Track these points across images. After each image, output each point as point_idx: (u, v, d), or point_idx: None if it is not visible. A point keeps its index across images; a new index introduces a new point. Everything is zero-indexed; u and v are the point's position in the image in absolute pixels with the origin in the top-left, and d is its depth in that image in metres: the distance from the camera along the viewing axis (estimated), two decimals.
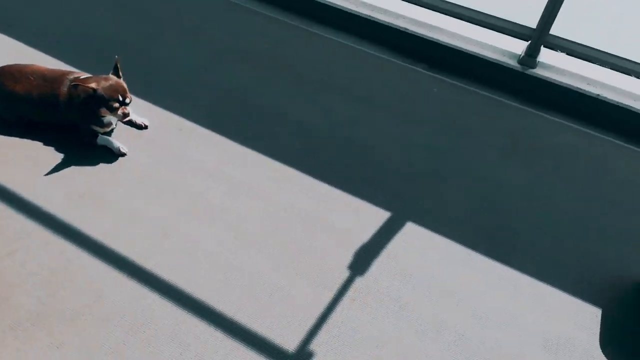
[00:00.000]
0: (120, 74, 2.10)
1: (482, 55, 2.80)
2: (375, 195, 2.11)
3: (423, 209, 2.10)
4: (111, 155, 2.15)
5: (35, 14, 2.87)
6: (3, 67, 2.21)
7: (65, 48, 2.64)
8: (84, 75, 2.18)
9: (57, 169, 2.06)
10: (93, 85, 2.00)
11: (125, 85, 2.08)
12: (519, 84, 2.75)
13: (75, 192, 2.00)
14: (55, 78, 2.14)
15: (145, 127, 2.30)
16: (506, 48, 2.81)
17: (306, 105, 2.51)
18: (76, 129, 2.17)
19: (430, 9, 3.01)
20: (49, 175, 2.04)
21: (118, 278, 1.74)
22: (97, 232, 1.86)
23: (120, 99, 2.04)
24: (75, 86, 2.01)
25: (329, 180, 2.15)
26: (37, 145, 2.15)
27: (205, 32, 2.90)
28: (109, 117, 2.12)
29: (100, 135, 2.17)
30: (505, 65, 2.74)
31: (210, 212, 1.99)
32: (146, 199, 2.00)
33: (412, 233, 2.00)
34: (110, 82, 2.05)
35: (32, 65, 2.22)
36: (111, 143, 2.16)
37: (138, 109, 2.34)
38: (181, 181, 2.09)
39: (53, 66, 2.31)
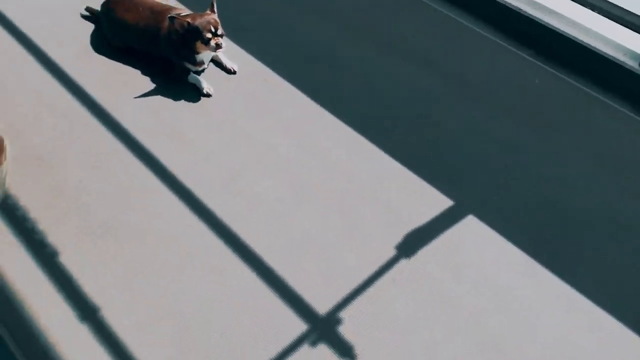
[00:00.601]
0: (215, 10, 2.19)
1: (599, 50, 2.52)
2: (439, 179, 2.05)
3: (488, 204, 2.00)
4: (197, 94, 2.27)
5: None
6: None
7: None
8: (185, 12, 2.29)
9: (147, 98, 2.22)
10: (188, 19, 2.10)
11: (218, 20, 2.16)
12: (637, 88, 2.46)
13: (160, 122, 2.14)
14: (161, 12, 2.26)
15: (234, 72, 2.38)
16: (630, 47, 2.51)
17: (390, 73, 2.44)
18: (171, 63, 2.30)
19: None
20: (139, 103, 2.20)
21: (182, 210, 1.87)
22: (171, 164, 2.00)
23: (213, 30, 2.12)
24: (172, 19, 2.12)
25: (395, 154, 2.11)
26: (136, 73, 2.32)
27: None
28: (202, 56, 2.22)
29: (191, 73, 2.29)
30: (623, 65, 2.45)
31: (278, 165, 2.05)
32: (221, 142, 2.10)
33: (471, 227, 1.93)
34: (205, 17, 2.15)
35: None
36: (200, 82, 2.27)
37: (229, 53, 2.43)
38: (257, 131, 2.16)
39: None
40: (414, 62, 2.50)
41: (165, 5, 2.33)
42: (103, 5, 2.40)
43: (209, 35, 2.12)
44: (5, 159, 1.89)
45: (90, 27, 2.48)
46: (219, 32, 2.15)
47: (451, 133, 2.23)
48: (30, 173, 1.91)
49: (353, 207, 1.94)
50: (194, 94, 2.27)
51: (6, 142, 1.94)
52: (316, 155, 2.10)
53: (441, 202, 1.98)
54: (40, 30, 2.43)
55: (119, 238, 1.78)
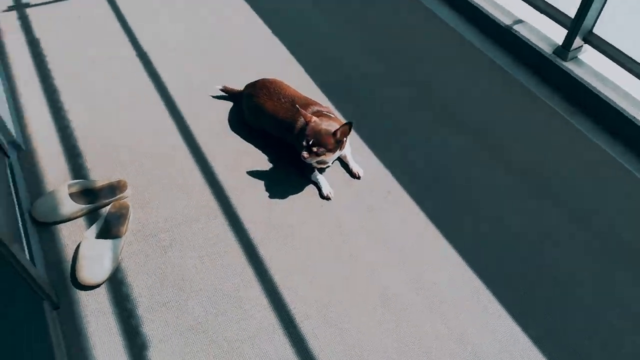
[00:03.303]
0: (339, 136, 2.06)
1: None
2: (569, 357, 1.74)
3: None
4: (317, 194, 2.20)
5: (295, 32, 3.09)
6: (265, 80, 2.41)
7: (317, 70, 2.78)
8: (325, 109, 2.25)
9: (268, 190, 2.19)
10: (312, 117, 2.07)
11: (328, 139, 2.05)
12: None
13: (273, 220, 2.08)
14: (301, 105, 2.25)
15: (358, 178, 2.28)
16: None
17: (518, 205, 2.18)
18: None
19: None
20: (259, 194, 2.17)
21: (276, 331, 1.77)
22: (275, 269, 1.92)
23: (310, 142, 2.04)
24: (298, 108, 2.11)
25: (517, 316, 1.85)
26: (263, 159, 2.31)
27: (438, 87, 2.74)
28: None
29: (315, 171, 2.23)
30: None
31: (379, 296, 1.88)
32: (328, 254, 1.99)
33: None
34: (323, 126, 2.06)
35: (289, 88, 2.38)
36: (321, 184, 2.20)
37: (359, 156, 2.35)
38: (368, 251, 2.02)
39: (304, 84, 2.48)
40: (544, 196, 2.22)
41: (308, 100, 2.31)
42: (247, 87, 2.46)
43: (304, 144, 2.06)
44: (125, 231, 1.95)
45: (229, 102, 2.55)
46: (315, 149, 2.04)
47: (581, 299, 1.91)
48: (142, 250, 1.94)
49: None
50: (314, 192, 2.21)
51: (130, 212, 2.00)
52: (425, 292, 1.90)
53: None
54: (180, 98, 2.54)
55: (209, 344, 1.72)
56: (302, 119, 2.18)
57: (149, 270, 1.88)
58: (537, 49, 2.83)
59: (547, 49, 2.80)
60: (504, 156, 2.42)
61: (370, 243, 2.05)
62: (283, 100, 2.29)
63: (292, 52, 2.87)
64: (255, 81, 2.45)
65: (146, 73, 2.69)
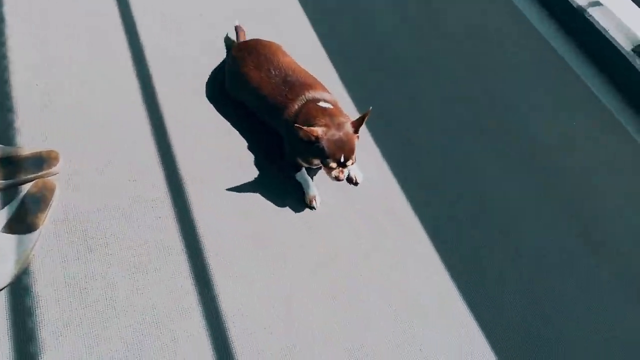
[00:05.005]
0: (360, 128, 1.61)
1: None
2: None
3: None
4: (300, 198, 1.73)
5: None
6: (258, 42, 1.91)
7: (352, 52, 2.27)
8: (326, 96, 1.74)
9: (239, 189, 1.71)
10: (318, 131, 1.56)
11: (355, 143, 1.60)
12: None
13: (245, 229, 1.62)
14: (294, 86, 1.74)
15: (355, 184, 1.81)
16: None
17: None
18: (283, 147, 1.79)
19: None
20: (229, 194, 1.70)
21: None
22: (229, 305, 1.49)
23: (342, 160, 1.58)
24: (299, 128, 1.57)
25: None
26: (238, 147, 1.83)
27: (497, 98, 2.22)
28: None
29: (303, 170, 1.76)
30: None
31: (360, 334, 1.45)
32: (306, 292, 1.54)
33: None
34: (341, 133, 1.58)
35: (286, 56, 1.87)
36: (308, 189, 1.73)
37: (363, 156, 1.86)
38: (354, 278, 1.58)
39: (321, 64, 2.01)
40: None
41: (303, 78, 1.78)
42: (232, 49, 1.94)
43: (333, 165, 1.59)
44: (44, 221, 1.50)
45: (218, 60, 2.05)
46: (349, 162, 1.60)
47: None
48: (61, 248, 1.49)
49: None
50: (297, 197, 1.74)
51: (55, 196, 1.55)
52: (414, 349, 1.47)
53: None
54: (155, 59, 2.02)
55: None
56: (295, 104, 1.70)
57: (65, 278, 1.44)
58: None
59: None
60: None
61: (363, 272, 1.60)
62: (273, 73, 1.78)
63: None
64: (248, 41, 1.94)
65: (123, 28, 2.15)
